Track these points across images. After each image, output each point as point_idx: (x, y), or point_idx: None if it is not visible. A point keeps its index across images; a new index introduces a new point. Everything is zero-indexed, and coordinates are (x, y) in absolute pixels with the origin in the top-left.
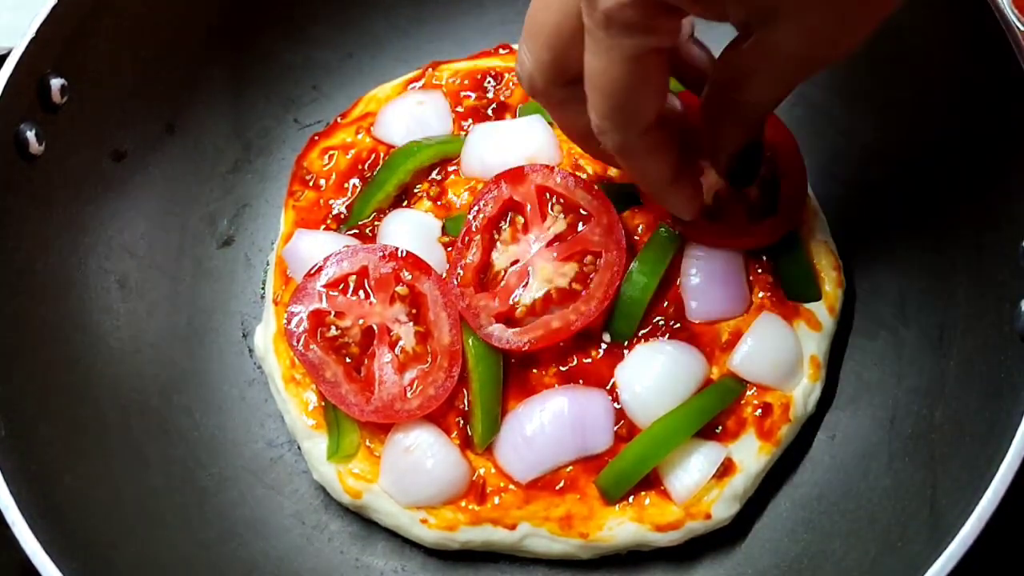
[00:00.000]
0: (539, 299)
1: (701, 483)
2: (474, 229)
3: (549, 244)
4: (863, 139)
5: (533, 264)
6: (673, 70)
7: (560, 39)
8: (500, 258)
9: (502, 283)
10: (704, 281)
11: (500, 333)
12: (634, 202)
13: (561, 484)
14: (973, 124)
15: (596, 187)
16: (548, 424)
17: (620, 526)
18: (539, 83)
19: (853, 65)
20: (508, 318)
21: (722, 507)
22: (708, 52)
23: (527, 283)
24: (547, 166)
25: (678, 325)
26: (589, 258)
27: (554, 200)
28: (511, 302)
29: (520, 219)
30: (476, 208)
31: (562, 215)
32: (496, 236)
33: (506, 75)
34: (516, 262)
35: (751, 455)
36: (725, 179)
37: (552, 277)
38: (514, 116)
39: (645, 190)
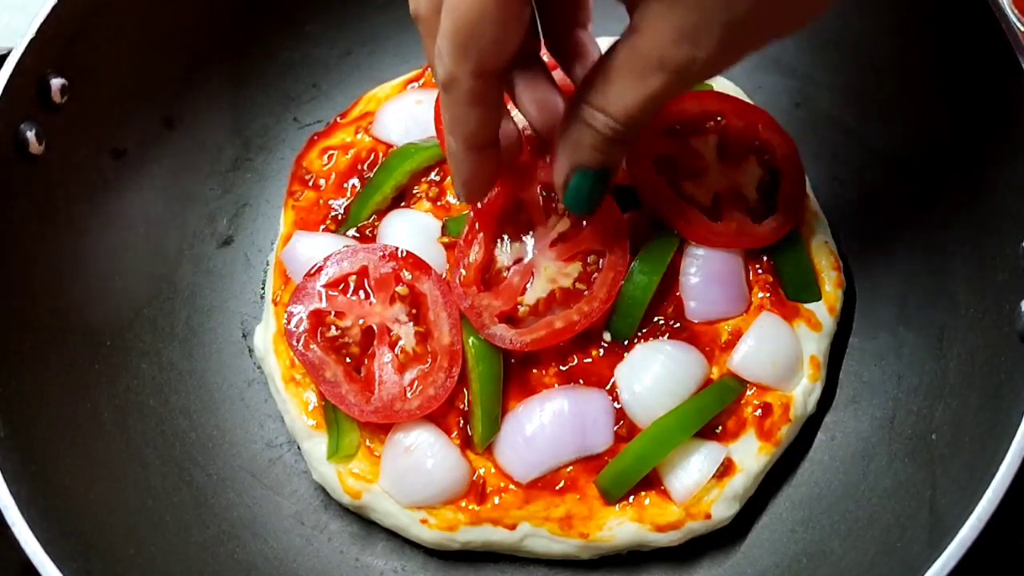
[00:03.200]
0: (542, 299)
1: (701, 483)
2: (477, 228)
3: (553, 244)
4: (863, 139)
5: (537, 263)
6: (562, 62)
7: None
8: (503, 256)
9: (505, 282)
10: (703, 281)
11: (503, 333)
12: (636, 203)
13: (561, 484)
14: (973, 124)
15: None
16: (548, 424)
17: (620, 526)
18: (422, 6)
19: (854, 65)
20: (510, 317)
21: (722, 507)
22: (596, 48)
23: (531, 282)
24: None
25: (678, 325)
26: (592, 257)
27: (553, 197)
28: (514, 301)
29: (523, 217)
30: (479, 206)
31: (566, 214)
32: (499, 234)
33: None
34: (519, 261)
35: (751, 455)
36: (560, 195)
37: (556, 277)
38: None
39: (445, 144)
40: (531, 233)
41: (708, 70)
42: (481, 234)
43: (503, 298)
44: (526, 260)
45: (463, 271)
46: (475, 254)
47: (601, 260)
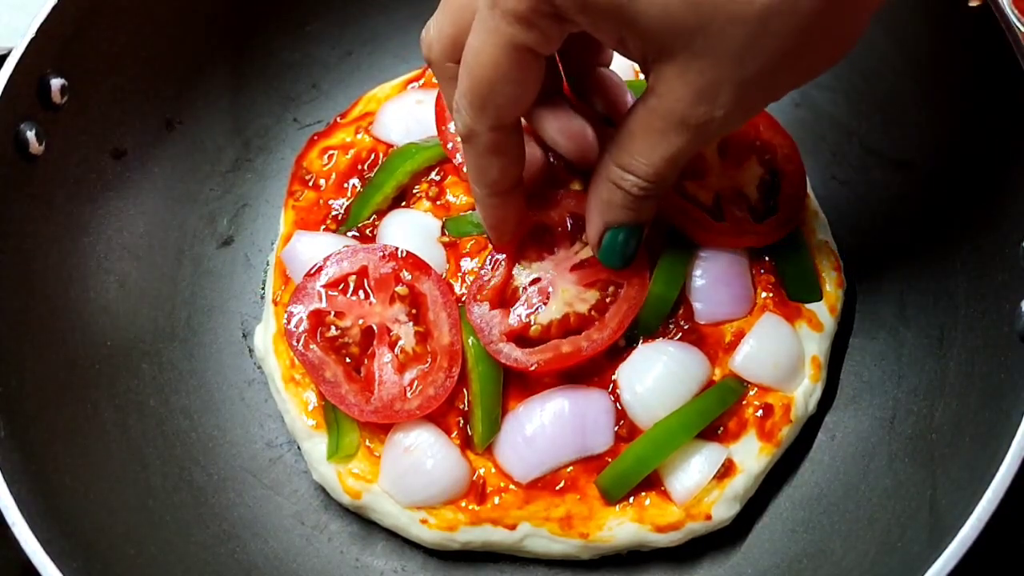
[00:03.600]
0: (556, 321)
1: (702, 484)
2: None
3: (574, 268)
4: (864, 140)
5: (555, 285)
6: (585, 98)
7: (463, 17)
8: (521, 275)
9: (520, 300)
10: (709, 283)
11: (509, 351)
12: None
13: (561, 484)
14: (973, 124)
15: None
16: (548, 424)
17: (620, 526)
18: (435, 52)
19: (854, 65)
20: (521, 336)
21: (722, 508)
22: (622, 87)
23: (546, 303)
24: (582, 193)
25: (688, 327)
26: (612, 288)
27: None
28: (527, 320)
29: (547, 239)
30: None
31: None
32: (521, 255)
33: None
34: (537, 280)
35: (752, 456)
36: (594, 251)
37: (572, 301)
38: None
39: (472, 191)
40: (553, 255)
41: (729, 125)
42: (503, 255)
43: (516, 316)
44: (544, 281)
45: (481, 284)
46: (496, 272)
47: (619, 290)
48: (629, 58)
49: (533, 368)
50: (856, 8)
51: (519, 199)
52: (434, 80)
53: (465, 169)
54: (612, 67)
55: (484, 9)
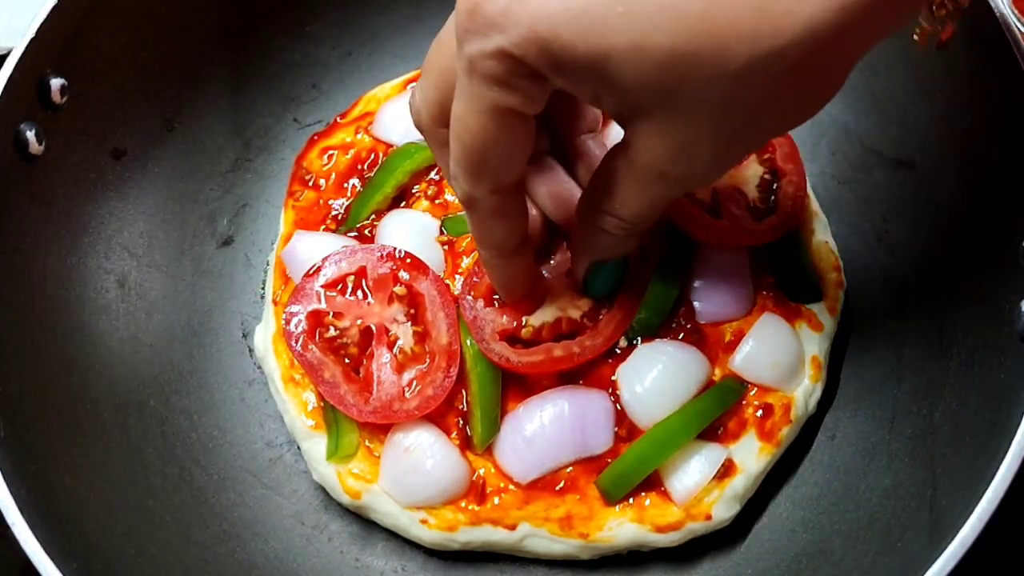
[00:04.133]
0: (548, 324)
1: (702, 484)
2: None
3: (569, 272)
4: (863, 139)
5: (550, 288)
6: (567, 165)
7: (446, 81)
8: None
9: None
10: (709, 283)
11: (502, 351)
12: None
13: (561, 485)
14: (973, 124)
15: None
16: (548, 424)
17: (620, 527)
18: (424, 119)
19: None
20: (513, 335)
21: (722, 508)
22: (600, 150)
23: (540, 306)
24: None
25: (690, 326)
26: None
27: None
28: (519, 321)
29: (546, 241)
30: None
31: None
32: None
33: None
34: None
35: (752, 456)
36: (583, 287)
37: (566, 307)
38: None
39: (479, 253)
40: (551, 260)
41: (710, 177)
42: None
43: (509, 316)
44: (540, 283)
45: (476, 280)
46: None
47: (613, 299)
48: (606, 113)
49: (523, 369)
50: (832, 62)
51: (527, 256)
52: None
53: (474, 236)
54: None
55: (463, 77)
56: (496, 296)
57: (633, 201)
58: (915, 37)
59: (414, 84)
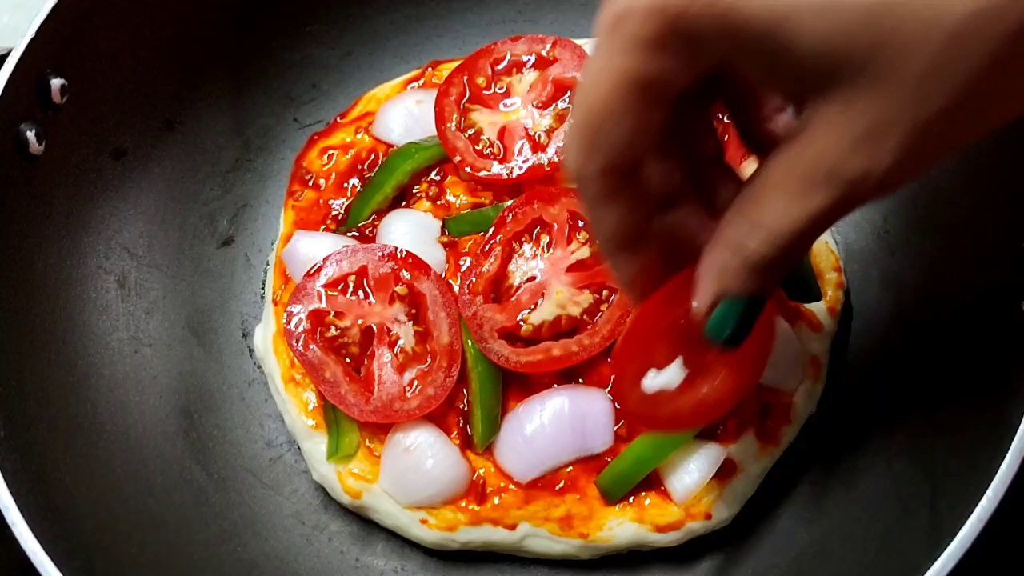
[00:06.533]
0: (547, 322)
1: (701, 484)
2: (497, 241)
3: (569, 269)
4: None
5: (548, 285)
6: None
7: (606, 106)
8: (516, 272)
9: (513, 297)
10: None
11: (500, 349)
12: None
13: (561, 484)
14: None
15: None
16: (548, 424)
17: (620, 526)
18: (586, 169)
19: None
20: (511, 333)
21: (722, 508)
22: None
23: (539, 303)
24: None
25: None
26: (606, 292)
27: (583, 226)
28: (518, 319)
29: (545, 237)
30: (502, 220)
31: (588, 243)
32: (516, 249)
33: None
34: (532, 279)
35: (751, 456)
36: (702, 326)
37: (566, 303)
38: None
39: (594, 241)
40: (549, 253)
41: (882, 188)
42: (499, 247)
43: (508, 313)
44: (539, 280)
45: (473, 279)
46: (489, 265)
47: (612, 296)
48: (774, 94)
49: (521, 367)
50: None
51: (650, 254)
52: (434, 80)
53: (590, 225)
54: None
55: (603, 34)
56: (493, 293)
57: (787, 212)
58: None
59: (414, 85)
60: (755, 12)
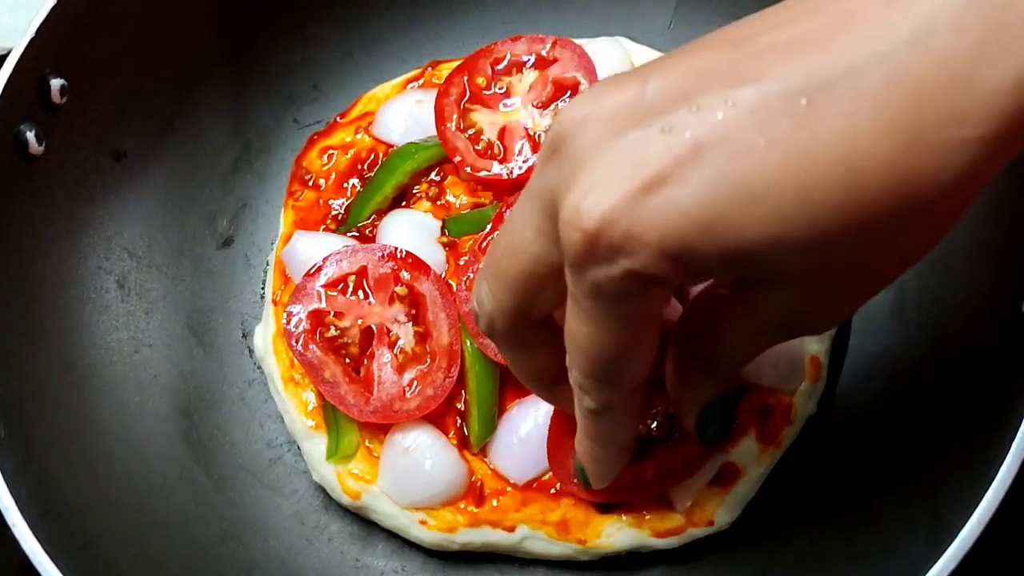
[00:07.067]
0: None
1: (701, 487)
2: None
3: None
4: None
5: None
6: None
7: (527, 286)
8: None
9: None
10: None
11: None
12: None
13: (555, 488)
14: None
15: None
16: (543, 424)
17: (618, 532)
18: (499, 325)
19: None
20: None
21: (724, 512)
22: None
23: None
24: None
25: None
26: None
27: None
28: None
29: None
30: (500, 219)
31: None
32: None
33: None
34: None
35: (752, 458)
36: (696, 436)
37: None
38: None
39: (584, 450)
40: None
41: (825, 326)
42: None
43: None
44: None
45: (471, 275)
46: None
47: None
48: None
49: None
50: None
51: (636, 444)
52: (434, 80)
53: (590, 436)
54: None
55: (586, 300)
56: None
57: (738, 352)
58: None
59: (414, 85)
60: (715, 254)
